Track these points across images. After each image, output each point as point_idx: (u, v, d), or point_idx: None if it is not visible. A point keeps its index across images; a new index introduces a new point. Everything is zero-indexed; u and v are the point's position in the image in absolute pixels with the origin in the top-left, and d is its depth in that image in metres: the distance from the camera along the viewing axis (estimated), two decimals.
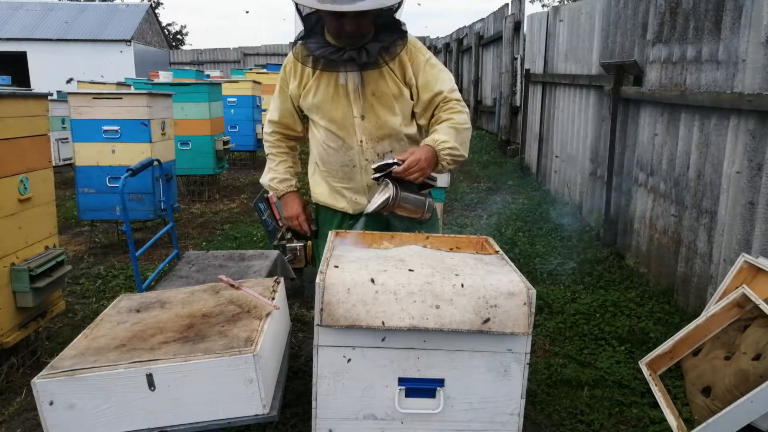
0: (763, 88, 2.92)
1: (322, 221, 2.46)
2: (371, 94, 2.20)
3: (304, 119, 2.39)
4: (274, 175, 2.43)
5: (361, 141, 2.24)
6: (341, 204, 2.34)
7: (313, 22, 2.18)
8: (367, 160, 2.25)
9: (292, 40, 2.25)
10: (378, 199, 2.09)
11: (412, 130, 2.30)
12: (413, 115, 2.29)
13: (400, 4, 2.10)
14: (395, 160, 2.06)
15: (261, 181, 2.47)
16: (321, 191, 2.39)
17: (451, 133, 2.15)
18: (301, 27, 2.19)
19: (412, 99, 2.25)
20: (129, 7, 25.61)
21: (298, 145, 2.51)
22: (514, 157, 9.07)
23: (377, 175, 2.09)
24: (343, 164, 2.28)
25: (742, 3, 3.09)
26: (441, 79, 2.23)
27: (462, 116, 2.20)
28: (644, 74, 4.33)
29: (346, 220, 2.36)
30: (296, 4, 2.10)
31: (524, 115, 8.54)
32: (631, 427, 2.52)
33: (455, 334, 1.61)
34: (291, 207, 2.42)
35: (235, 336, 1.83)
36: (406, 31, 2.20)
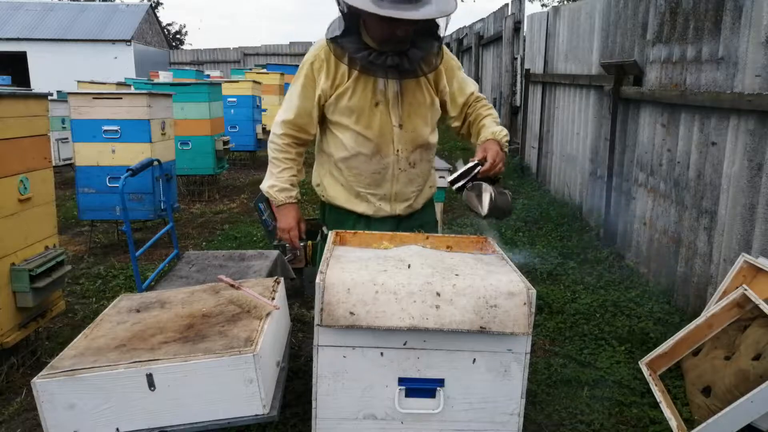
0: (763, 88, 2.92)
1: (333, 221, 2.36)
2: (408, 103, 2.19)
3: (320, 122, 2.29)
4: (275, 183, 2.27)
5: (398, 150, 2.22)
6: (361, 208, 2.30)
7: (354, 22, 2.10)
8: (400, 169, 2.24)
9: (327, 36, 2.12)
10: (483, 203, 2.10)
11: (435, 138, 2.35)
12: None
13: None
14: (474, 162, 2.11)
15: (261, 186, 2.35)
16: (337, 195, 2.32)
17: (497, 125, 2.26)
18: (338, 25, 2.09)
19: (440, 107, 2.31)
20: (129, 7, 25.62)
21: (305, 150, 2.36)
22: (514, 157, 9.07)
23: (461, 183, 2.10)
24: (374, 171, 2.24)
25: (742, 3, 3.09)
26: (468, 80, 2.34)
27: (494, 110, 2.34)
28: (644, 74, 4.33)
29: (362, 222, 2.30)
30: (347, 5, 1.99)
31: (524, 115, 8.53)
32: (631, 427, 2.52)
33: (455, 334, 1.61)
34: (286, 219, 2.30)
35: (235, 336, 1.83)
36: (442, 38, 2.17)
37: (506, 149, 2.19)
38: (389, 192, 2.27)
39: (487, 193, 2.07)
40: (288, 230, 2.32)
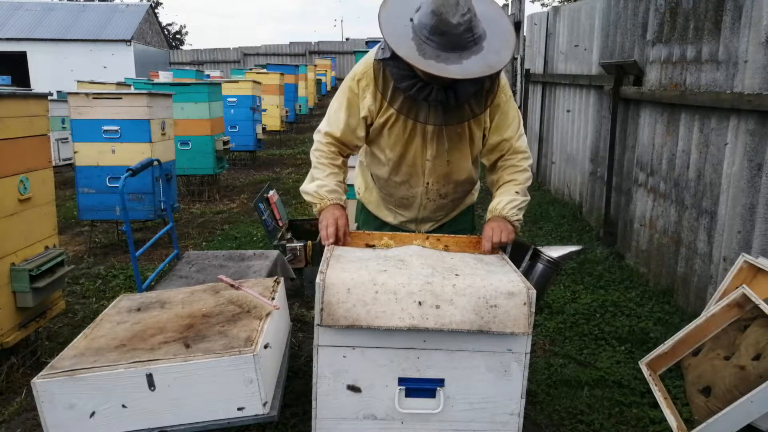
0: (763, 88, 2.92)
1: (363, 220, 2.39)
2: (448, 138, 2.05)
3: (364, 139, 2.15)
4: (323, 183, 2.07)
5: (428, 183, 2.14)
6: (389, 219, 2.32)
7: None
8: (428, 199, 2.18)
9: (377, 57, 1.93)
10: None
11: (474, 170, 2.23)
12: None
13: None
14: (535, 248, 2.15)
15: (303, 188, 2.12)
16: (371, 200, 2.33)
17: (518, 192, 2.09)
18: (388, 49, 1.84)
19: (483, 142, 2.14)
20: (129, 7, 25.63)
21: (348, 161, 2.22)
22: None
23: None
24: (403, 197, 2.21)
25: (742, 3, 3.09)
26: (512, 124, 2.09)
27: (525, 175, 2.11)
28: (644, 74, 4.33)
29: (388, 229, 2.30)
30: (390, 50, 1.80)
31: (524, 115, 8.54)
32: (631, 427, 2.52)
33: (455, 334, 1.61)
34: (333, 214, 2.02)
35: (235, 336, 1.83)
36: (499, 74, 1.92)
37: (515, 222, 2.05)
38: (415, 216, 2.27)
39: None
40: (330, 225, 1.98)
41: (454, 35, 1.73)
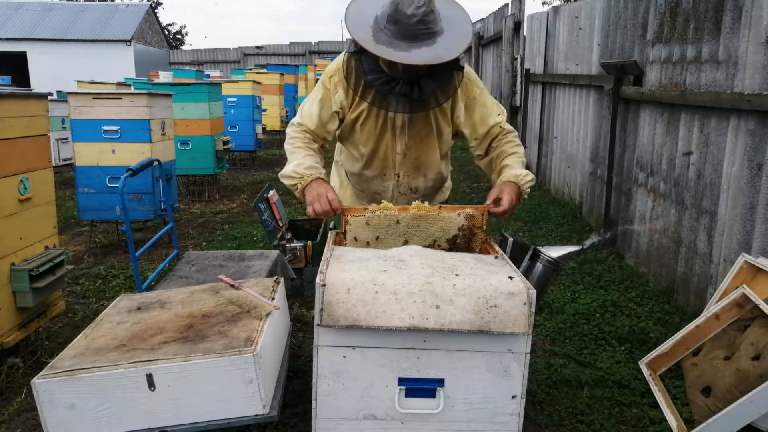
0: (763, 88, 2.92)
1: (338, 218, 2.40)
2: (416, 132, 2.16)
3: (334, 132, 2.25)
4: (300, 161, 2.10)
5: (398, 175, 2.26)
6: None
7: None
8: (400, 192, 2.28)
9: (348, 50, 2.07)
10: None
11: (443, 165, 2.33)
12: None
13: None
14: (535, 249, 2.18)
15: (281, 173, 2.13)
16: (345, 197, 2.41)
17: (523, 166, 2.16)
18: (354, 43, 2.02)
19: (452, 137, 2.25)
20: (129, 7, 25.64)
21: (323, 149, 2.29)
22: None
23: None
24: (375, 191, 2.32)
25: (742, 3, 3.09)
26: (494, 111, 2.21)
27: (522, 148, 2.22)
28: (644, 74, 4.33)
29: None
30: (350, 35, 1.96)
31: (524, 115, 8.53)
32: (631, 427, 2.52)
33: (455, 334, 1.61)
34: (317, 188, 2.03)
35: (235, 336, 1.83)
36: (463, 66, 2.08)
37: (526, 195, 2.12)
38: None
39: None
40: (324, 194, 2.00)
41: (406, 25, 1.86)
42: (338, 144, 2.41)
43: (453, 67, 2.02)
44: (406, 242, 2.03)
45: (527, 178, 2.09)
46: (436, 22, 1.91)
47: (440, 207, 2.05)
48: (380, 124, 2.15)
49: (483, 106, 2.19)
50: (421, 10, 1.85)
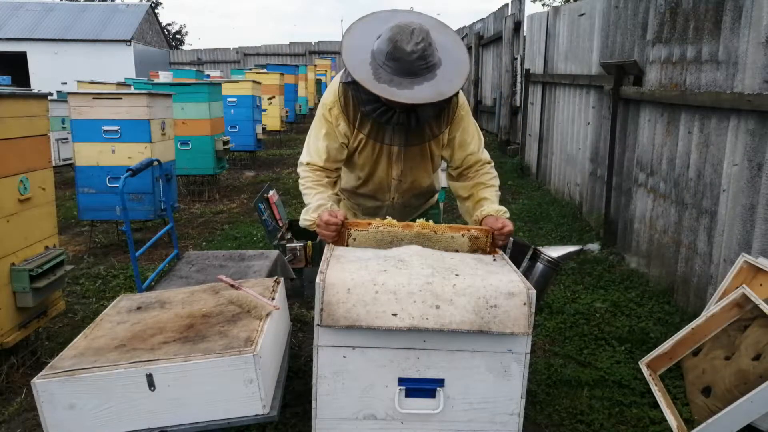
0: (763, 88, 2.92)
1: None
2: (411, 158, 2.19)
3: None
4: (310, 207, 2.09)
5: (394, 198, 2.31)
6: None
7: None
8: (394, 209, 2.34)
9: (343, 80, 2.05)
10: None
11: (435, 179, 2.38)
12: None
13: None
14: (535, 249, 2.23)
15: (300, 221, 2.12)
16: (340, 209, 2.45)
17: (498, 200, 2.17)
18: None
19: (442, 159, 2.28)
20: (129, 7, 25.64)
21: (336, 178, 2.27)
22: (514, 157, 9.08)
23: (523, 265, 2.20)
24: (370, 207, 2.38)
25: (742, 3, 3.09)
26: (474, 138, 2.20)
27: (498, 181, 2.23)
28: (644, 74, 4.33)
29: None
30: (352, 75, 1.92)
31: (524, 115, 8.54)
32: (631, 427, 2.52)
33: (455, 334, 1.61)
34: (323, 218, 1.96)
35: (235, 336, 1.83)
36: (456, 97, 2.07)
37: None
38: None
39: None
40: (327, 225, 1.93)
41: (407, 62, 1.85)
42: None
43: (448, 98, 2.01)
44: None
45: (507, 214, 2.08)
46: (434, 54, 1.90)
47: (446, 226, 2.04)
48: (377, 151, 2.17)
49: (464, 131, 2.17)
50: (420, 46, 1.84)
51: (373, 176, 2.25)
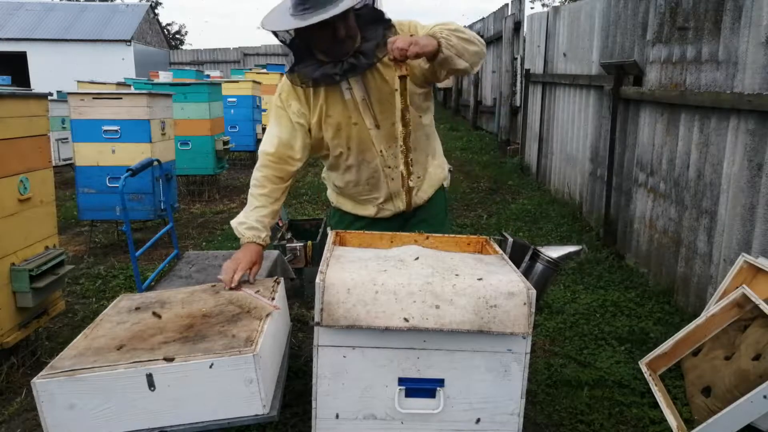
0: (763, 88, 2.92)
1: (343, 225, 2.41)
2: (377, 101, 2.13)
3: (306, 148, 2.22)
4: (244, 220, 2.19)
5: (381, 150, 2.20)
6: (367, 212, 2.36)
7: (301, 47, 2.10)
8: (388, 166, 2.22)
9: (287, 71, 2.16)
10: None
11: (427, 120, 2.28)
12: (425, 97, 2.23)
13: None
14: (535, 249, 2.25)
15: (232, 222, 2.23)
16: (344, 202, 2.42)
17: (450, 36, 1.98)
18: (291, 58, 2.14)
19: (421, 85, 2.18)
20: (129, 7, 25.63)
21: (286, 187, 2.25)
22: (514, 157, 9.08)
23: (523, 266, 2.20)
24: (367, 179, 2.27)
25: (742, 3, 3.09)
26: (432, 24, 2.10)
27: (457, 25, 2.04)
28: (644, 74, 4.33)
29: (369, 224, 2.35)
30: (275, 34, 2.05)
31: (524, 115, 8.54)
32: (631, 427, 2.52)
33: (455, 334, 1.61)
34: (241, 255, 2.16)
35: (235, 336, 1.83)
36: (389, 20, 2.09)
37: (441, 38, 1.92)
38: (386, 192, 2.29)
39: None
40: (232, 269, 2.12)
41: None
42: (324, 172, 2.43)
43: (381, 23, 2.05)
44: None
45: (444, 26, 1.98)
46: None
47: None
48: (342, 109, 2.13)
49: (425, 29, 2.07)
50: None
51: (352, 137, 2.16)
